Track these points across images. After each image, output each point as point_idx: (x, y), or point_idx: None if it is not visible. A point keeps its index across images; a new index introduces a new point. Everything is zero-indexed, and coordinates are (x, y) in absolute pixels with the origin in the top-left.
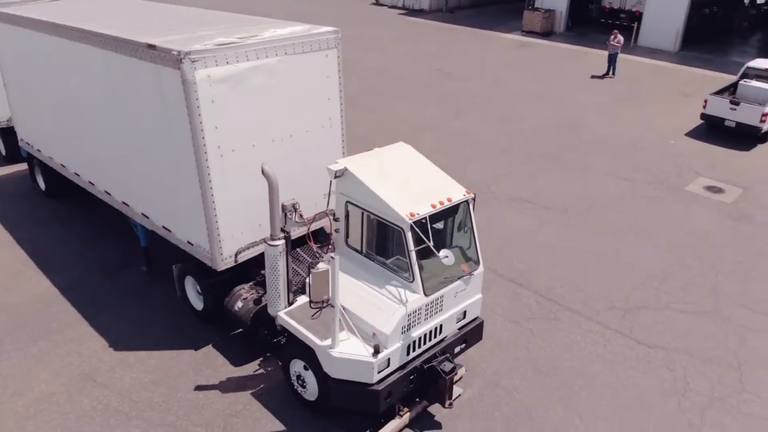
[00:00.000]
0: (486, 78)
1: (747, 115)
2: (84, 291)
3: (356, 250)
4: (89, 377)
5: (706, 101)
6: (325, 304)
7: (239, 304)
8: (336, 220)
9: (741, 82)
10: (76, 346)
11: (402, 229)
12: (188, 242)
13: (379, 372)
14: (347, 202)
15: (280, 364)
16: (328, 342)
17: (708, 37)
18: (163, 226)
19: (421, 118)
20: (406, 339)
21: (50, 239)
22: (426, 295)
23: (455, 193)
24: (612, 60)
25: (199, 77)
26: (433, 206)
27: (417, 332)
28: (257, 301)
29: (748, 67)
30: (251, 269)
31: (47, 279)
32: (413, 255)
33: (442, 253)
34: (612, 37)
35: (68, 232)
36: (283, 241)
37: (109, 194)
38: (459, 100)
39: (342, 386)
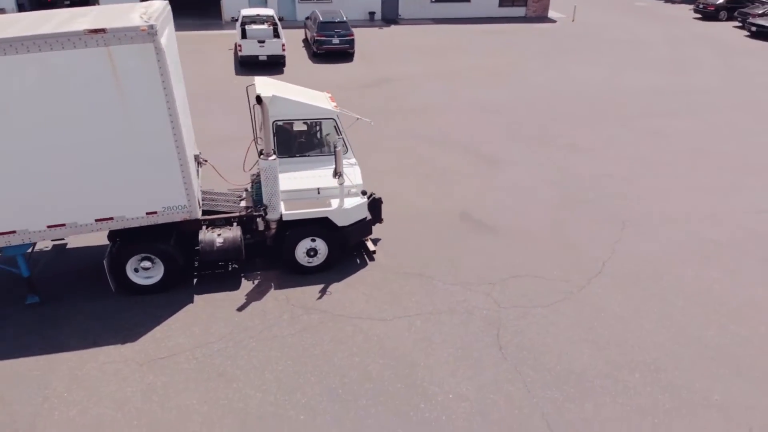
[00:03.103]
0: None
1: (272, 48)
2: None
3: (288, 156)
4: (151, 362)
5: (240, 46)
6: (341, 174)
7: (219, 240)
8: (261, 140)
9: (246, 27)
10: (97, 370)
11: (334, 118)
12: (148, 213)
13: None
14: (274, 122)
15: (284, 255)
16: (337, 204)
17: None
18: (97, 219)
19: None
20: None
21: None
22: (353, 157)
23: (326, 93)
24: None
25: (163, 45)
26: (332, 100)
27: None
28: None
29: (243, 16)
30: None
31: None
32: (344, 133)
33: (367, 119)
34: None
35: None
36: (275, 156)
37: None
38: None
39: (353, 228)
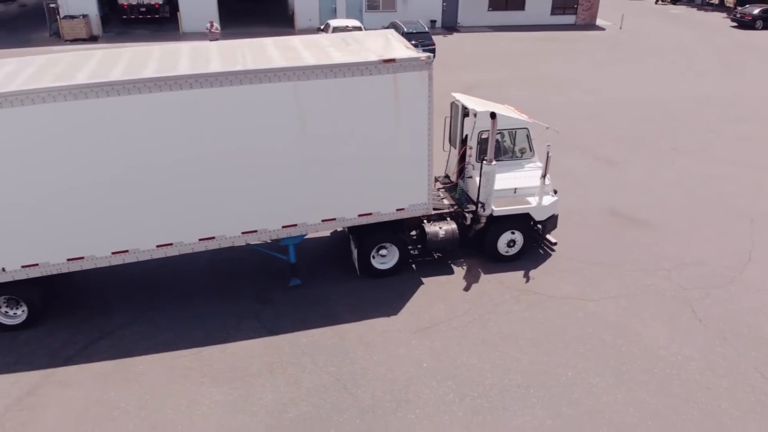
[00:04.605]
0: None
1: None
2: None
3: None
4: (420, 331)
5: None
6: (546, 175)
7: (441, 233)
8: (470, 148)
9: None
10: (380, 337)
11: (527, 127)
12: (397, 209)
13: None
14: (480, 132)
15: (487, 246)
16: (537, 202)
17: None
18: (359, 215)
19: None
20: None
21: (183, 319)
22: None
23: (507, 105)
24: None
25: None
26: (519, 111)
27: None
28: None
29: (333, 27)
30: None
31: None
32: (532, 141)
33: (556, 128)
34: (209, 25)
35: (174, 306)
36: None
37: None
38: None
39: (547, 222)
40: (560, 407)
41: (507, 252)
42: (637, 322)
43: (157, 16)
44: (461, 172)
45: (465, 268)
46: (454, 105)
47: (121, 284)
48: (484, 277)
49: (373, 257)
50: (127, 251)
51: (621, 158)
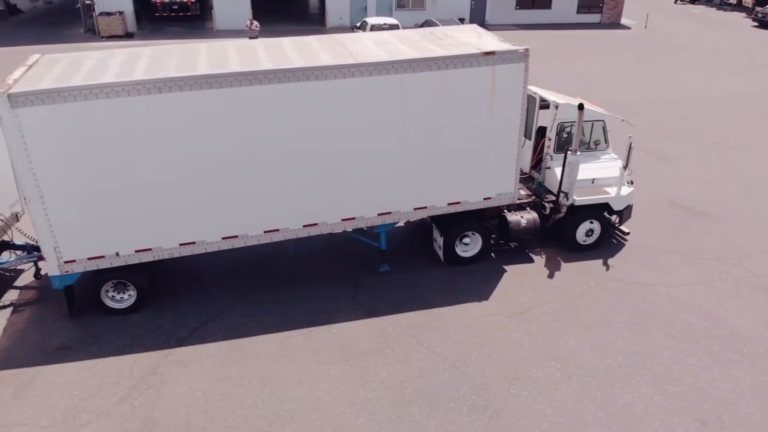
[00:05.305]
0: None
1: None
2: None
3: (561, 152)
4: (513, 315)
5: None
6: (627, 166)
7: (523, 222)
8: (549, 139)
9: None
10: (477, 321)
11: (604, 120)
12: (484, 198)
13: None
14: (559, 123)
15: (566, 235)
16: (615, 192)
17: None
18: (448, 203)
19: None
20: None
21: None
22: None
23: (578, 98)
24: None
25: None
26: (595, 105)
27: None
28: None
29: (371, 25)
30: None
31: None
32: (607, 133)
33: (630, 121)
34: (249, 23)
35: (284, 290)
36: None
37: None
38: None
39: (624, 211)
40: (664, 385)
41: (585, 241)
42: (719, 306)
43: (189, 14)
44: (537, 163)
45: (543, 256)
46: (530, 97)
47: (217, 270)
48: (565, 266)
49: (456, 245)
50: (236, 236)
51: (671, 153)
